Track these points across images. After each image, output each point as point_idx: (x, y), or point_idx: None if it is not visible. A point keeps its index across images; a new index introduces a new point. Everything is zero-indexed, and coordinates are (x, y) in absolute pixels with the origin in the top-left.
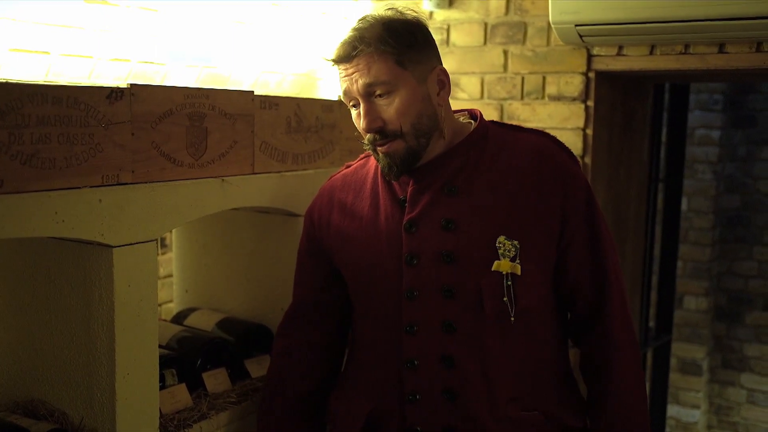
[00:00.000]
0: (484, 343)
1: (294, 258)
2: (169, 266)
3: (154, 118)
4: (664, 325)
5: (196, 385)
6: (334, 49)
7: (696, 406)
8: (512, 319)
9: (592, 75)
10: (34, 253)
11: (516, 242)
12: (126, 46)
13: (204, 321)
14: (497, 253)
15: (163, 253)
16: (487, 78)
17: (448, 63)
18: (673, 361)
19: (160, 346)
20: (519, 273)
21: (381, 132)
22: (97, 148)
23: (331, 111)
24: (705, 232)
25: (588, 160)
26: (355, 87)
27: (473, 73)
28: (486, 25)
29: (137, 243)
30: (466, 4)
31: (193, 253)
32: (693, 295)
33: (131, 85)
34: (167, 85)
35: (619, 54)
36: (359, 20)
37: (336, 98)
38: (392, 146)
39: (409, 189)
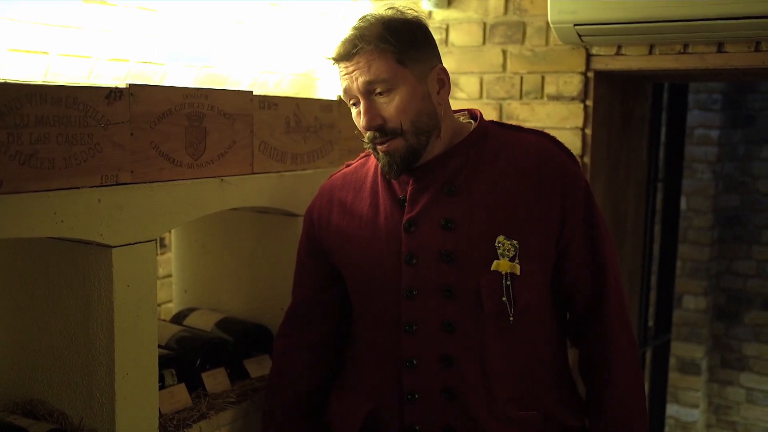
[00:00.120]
0: (483, 343)
1: (293, 258)
2: (168, 266)
3: (152, 118)
4: (663, 325)
5: (195, 385)
6: (334, 47)
7: (695, 406)
8: (511, 318)
9: (590, 75)
10: (33, 254)
11: (515, 242)
12: (125, 46)
13: (203, 321)
14: (496, 252)
15: (162, 253)
16: (485, 78)
17: (447, 63)
18: (672, 361)
19: (159, 346)
20: (518, 273)
21: (381, 130)
22: (96, 148)
23: (330, 111)
24: (704, 232)
25: (587, 159)
26: (355, 85)
27: (472, 72)
28: (485, 24)
29: (136, 243)
30: (465, 3)
31: (193, 253)
32: (692, 295)
33: (130, 85)
34: (166, 85)
35: (617, 53)
36: (359, 19)
37: (335, 98)
38: (392, 144)
39: (409, 188)
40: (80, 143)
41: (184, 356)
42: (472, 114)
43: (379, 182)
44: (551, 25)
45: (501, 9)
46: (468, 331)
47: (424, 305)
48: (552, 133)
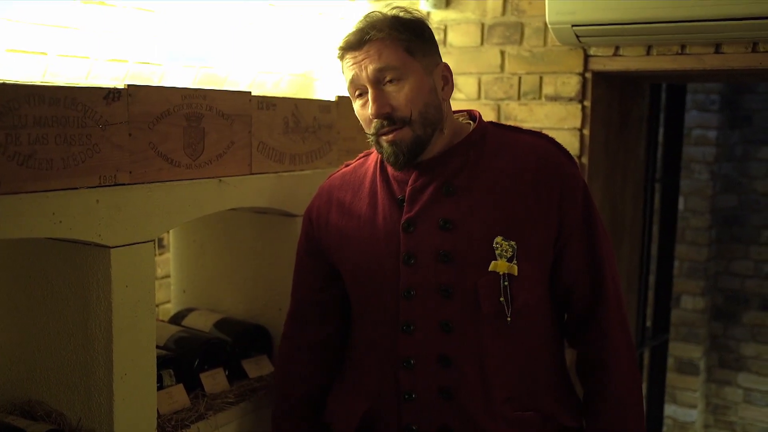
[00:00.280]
0: (481, 343)
1: (292, 258)
2: (166, 267)
3: (151, 119)
4: (661, 325)
5: (193, 386)
6: (342, 38)
7: (693, 406)
8: (508, 319)
9: (588, 75)
10: (32, 254)
11: (513, 243)
12: (123, 46)
13: (202, 321)
14: (494, 253)
15: (160, 254)
16: (484, 78)
17: None
18: (670, 361)
19: (157, 347)
20: (516, 273)
21: (389, 118)
22: (94, 148)
23: (329, 111)
24: (702, 232)
25: (585, 160)
26: (364, 73)
27: (470, 73)
28: (483, 25)
29: (135, 243)
30: (463, 4)
31: (191, 253)
32: (690, 295)
33: (128, 85)
34: (164, 85)
35: (615, 54)
36: (366, 15)
37: (333, 99)
38: (399, 134)
39: (408, 188)
40: (78, 144)
41: (183, 357)
42: (471, 115)
43: (378, 182)
44: (549, 26)
45: (499, 10)
46: (466, 331)
47: (422, 305)
48: (550, 133)
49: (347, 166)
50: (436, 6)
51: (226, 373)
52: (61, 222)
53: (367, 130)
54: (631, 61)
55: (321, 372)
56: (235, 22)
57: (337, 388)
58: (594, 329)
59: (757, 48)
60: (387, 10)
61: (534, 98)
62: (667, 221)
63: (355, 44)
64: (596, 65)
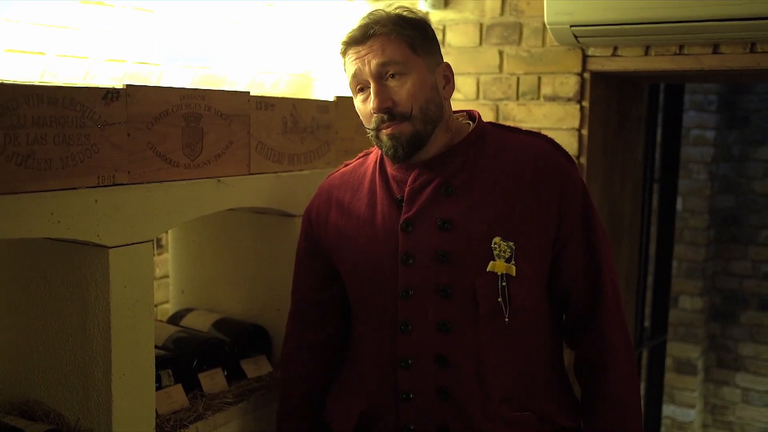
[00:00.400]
0: (479, 343)
1: (290, 258)
2: (165, 267)
3: (150, 119)
4: (660, 325)
5: (192, 386)
6: (346, 33)
7: (691, 406)
8: (506, 319)
9: (587, 75)
10: (30, 254)
11: (511, 243)
12: (121, 46)
13: (200, 321)
14: (492, 253)
15: (159, 254)
16: (482, 78)
17: None
18: (668, 361)
19: (156, 347)
20: (514, 274)
21: (389, 113)
22: (93, 148)
23: (327, 111)
24: (700, 232)
25: (583, 160)
26: (367, 68)
27: (469, 73)
28: (481, 25)
29: (133, 244)
30: (462, 4)
31: (189, 253)
32: (688, 295)
33: (127, 85)
34: (163, 85)
35: (614, 54)
36: (370, 13)
37: (332, 99)
38: (399, 128)
39: (407, 188)
40: (77, 144)
41: (181, 357)
42: (471, 115)
43: (377, 182)
44: (548, 26)
45: (497, 10)
46: (463, 331)
47: (420, 305)
48: (548, 133)
49: (346, 165)
50: (434, 6)
51: (225, 373)
52: (59, 222)
53: (367, 125)
54: (630, 61)
55: (322, 372)
56: (234, 23)
57: (336, 388)
58: (592, 330)
59: (755, 48)
60: (390, 9)
61: (532, 98)
62: (665, 221)
63: (358, 39)
64: (594, 65)
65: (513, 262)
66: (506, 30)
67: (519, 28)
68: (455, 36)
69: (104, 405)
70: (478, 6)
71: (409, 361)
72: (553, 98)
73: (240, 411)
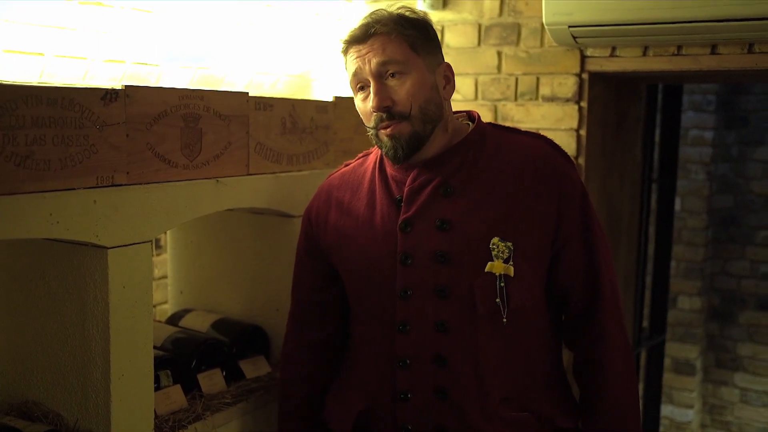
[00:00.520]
0: (477, 344)
1: (289, 259)
2: (164, 267)
3: (148, 120)
4: (658, 325)
5: (191, 386)
6: (347, 32)
7: (690, 406)
8: (504, 320)
9: (585, 76)
10: (29, 255)
11: (510, 244)
12: (120, 47)
13: (199, 322)
14: (491, 254)
15: (157, 254)
16: (481, 79)
17: None
18: (666, 361)
19: (154, 348)
20: (512, 274)
21: (388, 112)
22: (91, 149)
23: (326, 112)
24: (698, 232)
25: (581, 160)
26: (367, 67)
27: (467, 74)
28: (480, 26)
29: (132, 244)
30: (460, 5)
31: (188, 254)
32: (686, 295)
33: (126, 86)
34: (162, 86)
35: (612, 55)
36: (372, 12)
37: (330, 99)
38: (397, 128)
39: (406, 188)
40: (76, 144)
41: (180, 357)
42: (470, 116)
43: (377, 182)
44: (546, 27)
45: (496, 10)
46: (461, 331)
47: (419, 305)
48: (547, 134)
49: (346, 166)
50: (433, 7)
51: (224, 373)
52: (58, 222)
53: (366, 124)
54: (628, 61)
55: (322, 372)
56: (233, 23)
57: (335, 388)
58: (591, 330)
59: (753, 49)
60: (392, 9)
61: (531, 99)
62: (663, 221)
63: (359, 38)
64: (593, 66)
65: (511, 262)
66: (505, 30)
67: (517, 28)
68: (453, 36)
69: (103, 405)
70: (476, 6)
71: (408, 361)
72: (551, 99)
73: (239, 411)
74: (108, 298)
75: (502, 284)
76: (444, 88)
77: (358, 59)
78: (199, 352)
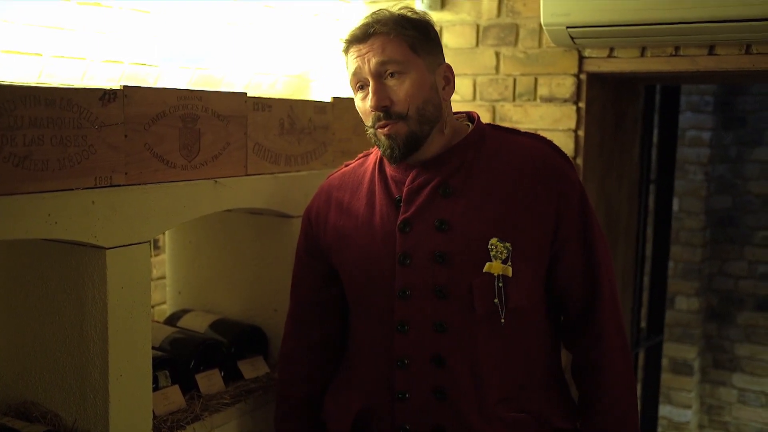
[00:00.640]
0: (475, 344)
1: (287, 259)
2: (162, 268)
3: (147, 120)
4: (656, 326)
5: (189, 387)
6: (348, 32)
7: (687, 406)
8: (503, 320)
9: (583, 77)
10: (27, 255)
11: (508, 244)
12: (119, 47)
13: (197, 322)
14: (489, 254)
15: (156, 255)
16: (479, 79)
17: None
18: (664, 362)
19: (153, 348)
20: (510, 275)
21: (386, 112)
22: (90, 149)
23: (324, 113)
24: (696, 233)
25: (579, 161)
26: (367, 66)
27: (465, 74)
28: (478, 27)
29: (130, 244)
30: (458, 6)
31: (187, 254)
32: (684, 296)
33: (124, 86)
34: (160, 86)
35: (610, 56)
36: (373, 12)
37: (329, 100)
38: (394, 128)
39: (405, 189)
40: (74, 145)
41: (178, 358)
42: (470, 116)
43: (376, 182)
44: (544, 28)
45: (494, 11)
46: (460, 331)
47: (417, 305)
48: (545, 134)
49: (347, 166)
50: (431, 7)
51: (222, 374)
52: (56, 223)
53: (365, 123)
54: (626, 62)
55: (322, 372)
56: (231, 23)
57: (334, 388)
58: (590, 331)
59: (750, 50)
60: (394, 10)
61: (529, 99)
62: (661, 222)
63: (360, 37)
64: (591, 67)
65: (510, 263)
66: (503, 31)
67: (515, 29)
68: (452, 37)
69: (101, 406)
70: (474, 7)
71: (406, 361)
72: (549, 99)
73: (237, 412)
74: (106, 298)
75: (501, 284)
76: (444, 88)
77: (357, 58)
78: (197, 352)
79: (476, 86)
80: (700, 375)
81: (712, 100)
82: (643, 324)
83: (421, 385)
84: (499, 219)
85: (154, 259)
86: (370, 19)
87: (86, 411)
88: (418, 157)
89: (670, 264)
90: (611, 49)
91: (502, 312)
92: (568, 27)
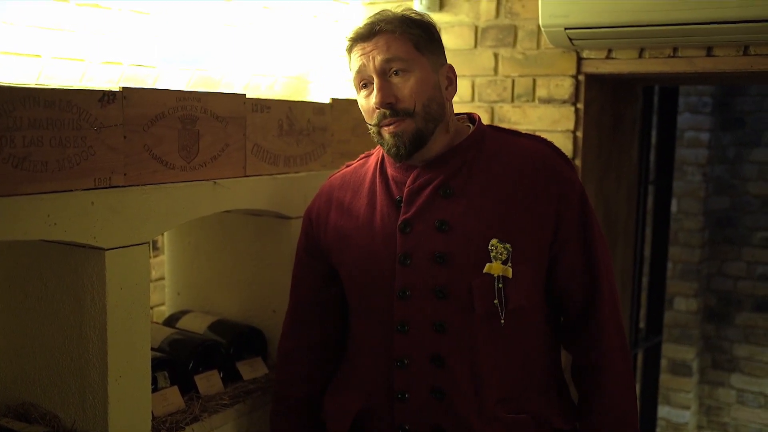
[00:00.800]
0: (474, 344)
1: (286, 260)
2: (161, 269)
3: (146, 121)
4: (655, 327)
5: (188, 388)
6: (352, 30)
7: (686, 407)
8: (502, 321)
9: (581, 78)
10: (27, 256)
11: (508, 245)
12: (118, 49)
13: (196, 323)
14: (489, 255)
15: (155, 256)
16: (477, 81)
17: None
18: (663, 362)
19: (152, 349)
20: (510, 276)
21: (392, 109)
22: (89, 150)
23: (323, 114)
24: (694, 234)
25: (578, 162)
26: (371, 64)
27: (464, 76)
28: (476, 28)
29: (129, 246)
30: (457, 7)
31: (186, 255)
32: (683, 297)
33: (123, 88)
34: (159, 88)
35: (608, 57)
36: (377, 12)
37: (328, 101)
38: (401, 125)
39: (405, 189)
40: (73, 146)
41: (177, 359)
42: (471, 118)
43: (377, 183)
44: (542, 29)
45: (492, 13)
46: (459, 332)
47: (417, 305)
48: (543, 135)
49: (348, 166)
50: (429, 9)
51: (221, 375)
52: (55, 224)
53: (369, 121)
54: (624, 63)
55: (321, 372)
56: (230, 25)
57: (333, 387)
58: (589, 332)
59: (748, 51)
60: (398, 10)
61: (527, 101)
62: (660, 223)
63: (365, 35)
64: (589, 68)
65: (510, 264)
66: (501, 32)
67: (514, 30)
68: (450, 38)
69: (100, 407)
70: (473, 8)
71: (405, 361)
72: (548, 100)
73: (236, 413)
74: (105, 299)
75: (500, 285)
76: (446, 88)
77: (362, 56)
78: (196, 353)
79: (474, 87)
80: (698, 376)
81: (710, 101)
82: (641, 325)
83: (421, 385)
84: (500, 220)
85: (153, 261)
86: (375, 18)
87: (85, 412)
88: (420, 157)
89: (669, 265)
90: (609, 51)
91: (501, 313)
92: (566, 28)
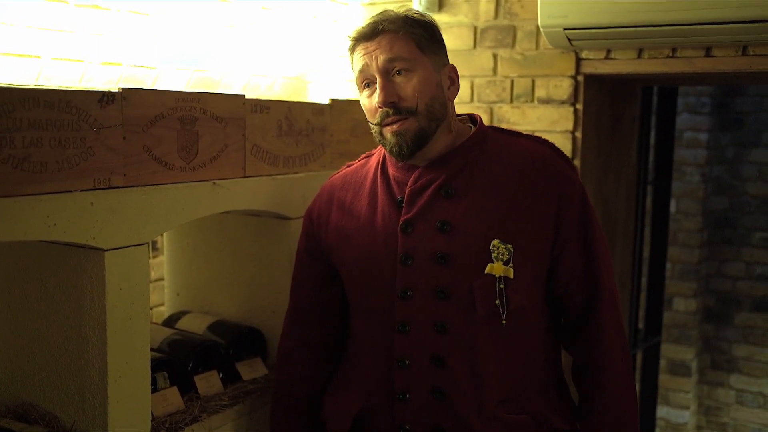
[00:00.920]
0: (475, 345)
1: (286, 260)
2: (160, 269)
3: (145, 122)
4: (654, 327)
5: (187, 388)
6: (355, 30)
7: (685, 407)
8: (503, 321)
9: (580, 78)
10: (26, 257)
11: (510, 246)
12: (117, 49)
13: (195, 324)
14: (491, 256)
15: (154, 257)
16: (476, 81)
17: None
18: (662, 363)
19: (151, 349)
20: (511, 276)
21: (395, 108)
22: (88, 151)
23: (322, 114)
24: (693, 234)
25: (577, 162)
26: (374, 63)
27: (463, 76)
28: (475, 28)
29: (129, 246)
30: (456, 8)
31: (185, 256)
32: (682, 297)
33: (123, 89)
34: (158, 88)
35: (607, 57)
36: (380, 12)
37: (327, 101)
38: (404, 124)
39: (407, 189)
40: (73, 147)
41: (177, 359)
42: (472, 119)
43: (379, 183)
44: (541, 30)
45: (491, 13)
46: (460, 332)
47: (418, 306)
48: (542, 136)
49: (349, 166)
50: (429, 9)
51: (220, 375)
52: (55, 225)
53: (371, 120)
54: (623, 64)
55: (321, 372)
56: (229, 25)
57: (333, 387)
58: (590, 333)
59: (747, 51)
60: (400, 11)
61: (526, 101)
62: (659, 223)
63: (367, 35)
64: (588, 68)
65: (511, 264)
66: (500, 33)
67: (513, 31)
68: (449, 39)
69: (100, 407)
70: (472, 9)
71: (406, 362)
72: (547, 101)
73: (235, 413)
74: (105, 300)
75: (502, 286)
76: (449, 88)
77: (365, 56)
78: (195, 354)
79: (474, 88)
80: (697, 376)
81: (709, 102)
82: (640, 325)
83: (421, 385)
84: (501, 221)
85: (152, 261)
86: (378, 18)
87: (85, 412)
88: (422, 157)
89: (668, 265)
90: (608, 51)
91: (503, 313)
92: (565, 29)
